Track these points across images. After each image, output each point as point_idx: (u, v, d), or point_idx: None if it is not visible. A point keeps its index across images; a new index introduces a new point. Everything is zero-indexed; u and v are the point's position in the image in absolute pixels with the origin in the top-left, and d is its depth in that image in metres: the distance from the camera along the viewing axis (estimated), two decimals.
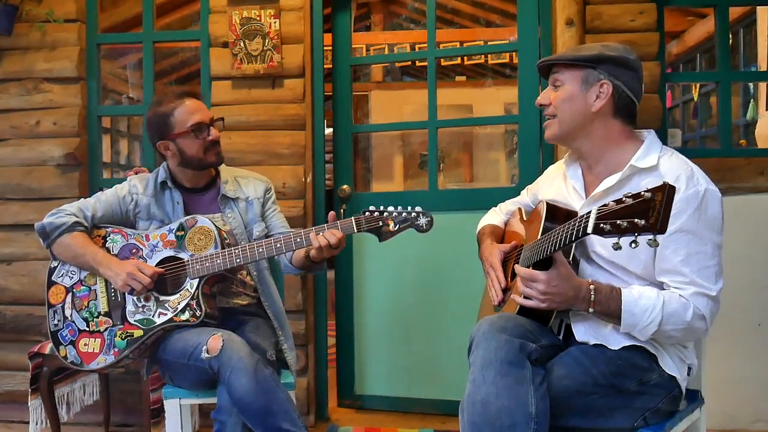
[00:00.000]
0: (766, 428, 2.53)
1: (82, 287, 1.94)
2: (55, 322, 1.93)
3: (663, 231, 1.12)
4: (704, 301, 1.41)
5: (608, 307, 1.40)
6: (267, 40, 2.70)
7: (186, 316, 1.84)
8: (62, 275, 1.96)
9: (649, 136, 1.56)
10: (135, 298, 1.88)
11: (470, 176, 5.77)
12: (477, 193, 3.28)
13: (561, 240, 1.32)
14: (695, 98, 5.34)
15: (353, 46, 2.99)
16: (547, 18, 2.66)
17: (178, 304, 1.86)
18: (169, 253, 1.92)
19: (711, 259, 1.42)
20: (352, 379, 2.91)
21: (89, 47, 2.86)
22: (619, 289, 1.42)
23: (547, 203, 1.59)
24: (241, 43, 2.70)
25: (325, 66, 2.83)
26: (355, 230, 1.82)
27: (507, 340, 1.38)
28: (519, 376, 1.35)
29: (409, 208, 1.84)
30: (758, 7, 4.12)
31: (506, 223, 1.90)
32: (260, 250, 1.85)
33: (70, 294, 1.94)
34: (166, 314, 1.86)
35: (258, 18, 2.70)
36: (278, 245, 1.85)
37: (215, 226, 1.91)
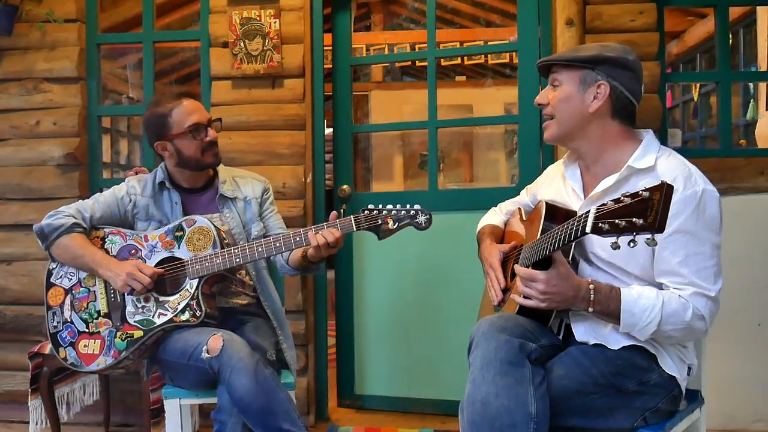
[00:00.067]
0: (766, 428, 2.53)
1: (81, 288, 1.94)
2: (55, 323, 1.93)
3: (661, 230, 1.12)
4: (703, 301, 1.41)
5: (608, 306, 1.40)
6: (267, 40, 2.70)
7: (186, 316, 1.84)
8: (61, 277, 1.96)
9: (647, 137, 1.56)
10: (134, 298, 1.88)
11: (470, 176, 5.77)
12: (477, 193, 3.28)
13: (560, 240, 1.32)
14: (695, 98, 5.34)
15: (353, 46, 2.99)
16: (547, 18, 2.66)
17: (178, 304, 1.86)
18: (168, 253, 1.91)
19: (710, 259, 1.42)
20: (352, 379, 2.91)
21: (89, 47, 2.86)
22: (619, 288, 1.42)
23: (546, 203, 1.59)
24: (241, 43, 2.70)
25: (325, 66, 2.83)
26: (354, 228, 1.82)
27: (507, 340, 1.38)
28: (519, 375, 1.35)
29: (408, 206, 1.84)
30: (758, 7, 4.12)
31: (506, 223, 1.91)
32: (259, 249, 1.85)
33: (69, 295, 1.94)
34: (166, 315, 1.85)
35: (258, 18, 2.70)
36: (277, 244, 1.85)
37: (214, 226, 1.91)
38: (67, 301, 1.93)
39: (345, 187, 2.85)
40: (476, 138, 5.79)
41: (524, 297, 1.42)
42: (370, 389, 2.90)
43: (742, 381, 2.53)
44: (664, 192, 1.11)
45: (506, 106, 5.19)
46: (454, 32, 5.81)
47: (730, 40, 2.97)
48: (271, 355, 1.88)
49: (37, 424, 2.40)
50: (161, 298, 1.88)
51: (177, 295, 1.87)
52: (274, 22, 2.69)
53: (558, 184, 1.72)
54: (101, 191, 2.10)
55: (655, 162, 1.49)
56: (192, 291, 1.86)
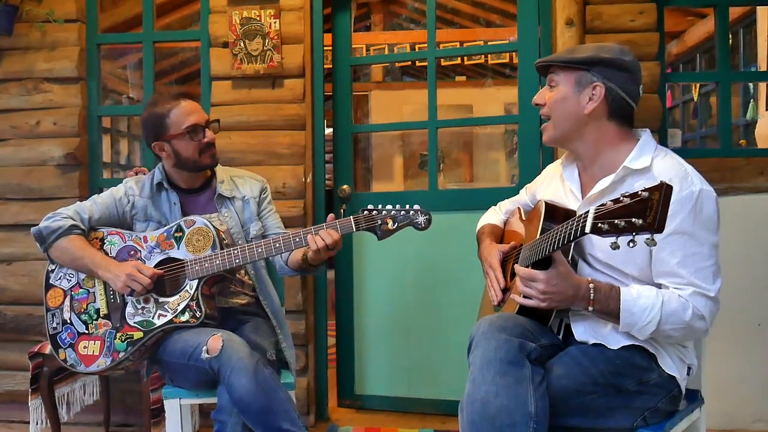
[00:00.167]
0: (766, 428, 2.53)
1: (81, 290, 1.93)
2: (54, 325, 1.92)
3: (660, 230, 1.12)
4: (703, 301, 1.41)
5: (607, 305, 1.40)
6: (267, 40, 2.70)
7: (186, 317, 1.84)
8: (60, 278, 1.95)
9: (644, 137, 1.56)
10: (134, 299, 1.87)
11: (470, 176, 5.77)
12: (477, 193, 3.28)
13: (559, 240, 1.32)
14: (695, 98, 5.34)
15: (353, 46, 2.99)
16: (547, 18, 2.66)
17: (178, 305, 1.86)
18: (167, 254, 1.91)
19: (708, 259, 1.42)
20: (352, 379, 2.91)
21: (89, 47, 2.86)
22: (619, 288, 1.42)
23: (545, 203, 1.60)
24: (241, 43, 2.70)
25: (325, 66, 2.83)
26: (354, 229, 1.82)
27: (506, 340, 1.39)
28: (518, 375, 1.35)
29: (408, 206, 1.84)
30: (758, 7, 4.12)
31: (506, 223, 1.91)
32: (259, 250, 1.85)
33: (68, 297, 1.93)
34: (165, 316, 1.85)
35: (258, 18, 2.70)
36: (277, 245, 1.85)
37: (213, 227, 1.90)
38: (67, 302, 1.93)
39: (345, 187, 2.85)
40: (476, 138, 5.79)
41: (524, 297, 1.42)
42: (370, 389, 2.90)
43: (742, 381, 2.53)
44: (663, 192, 1.11)
45: (506, 106, 5.19)
46: (454, 32, 5.81)
47: (730, 40, 2.97)
48: (270, 355, 1.88)
49: (37, 424, 2.40)
50: (161, 299, 1.88)
51: (177, 296, 1.87)
52: (274, 22, 2.69)
53: (556, 185, 1.72)
54: (101, 191, 2.10)
55: (651, 162, 1.49)
56: (192, 292, 1.86)
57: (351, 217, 1.83)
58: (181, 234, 1.91)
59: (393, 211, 1.83)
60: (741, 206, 2.53)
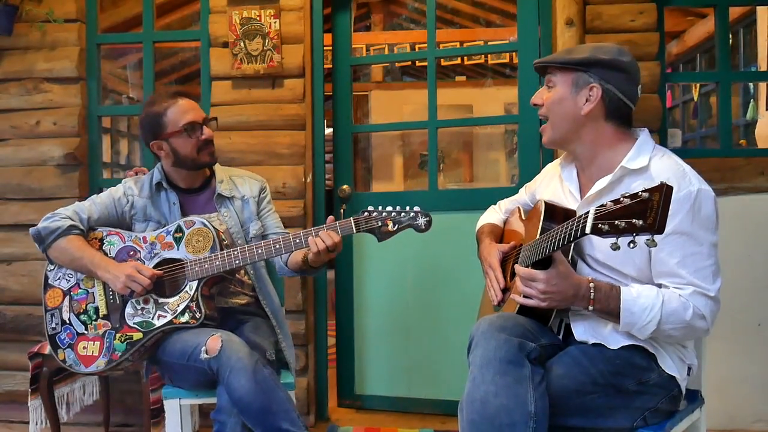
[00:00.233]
0: (766, 428, 2.53)
1: (80, 290, 1.93)
2: (53, 325, 1.92)
3: (661, 231, 1.12)
4: (703, 300, 1.41)
5: (607, 305, 1.40)
6: (267, 40, 2.70)
7: (186, 318, 1.84)
8: (59, 278, 1.95)
9: (642, 136, 1.55)
10: (134, 300, 1.87)
11: (470, 176, 5.77)
12: (477, 193, 3.28)
13: (559, 240, 1.32)
14: (695, 98, 5.33)
15: (353, 46, 2.99)
16: (547, 18, 2.66)
17: (178, 306, 1.85)
18: (167, 255, 1.91)
19: (707, 259, 1.42)
20: (352, 379, 2.91)
21: (89, 47, 2.86)
22: (619, 287, 1.42)
23: (545, 203, 1.59)
24: (241, 43, 2.70)
25: (325, 66, 2.83)
26: (354, 231, 1.82)
27: (506, 339, 1.38)
28: (518, 375, 1.35)
29: (408, 207, 1.84)
30: (758, 7, 4.11)
31: (505, 222, 1.91)
32: (259, 251, 1.85)
33: (67, 297, 1.93)
34: (165, 316, 1.85)
35: (258, 18, 2.70)
36: (277, 246, 1.85)
37: (213, 227, 1.90)
38: (66, 302, 1.92)
39: (345, 187, 2.85)
40: (476, 138, 5.79)
41: (524, 296, 1.42)
42: (370, 389, 2.90)
43: (742, 381, 2.53)
44: (663, 193, 1.11)
45: (506, 106, 5.19)
46: (454, 32, 5.81)
47: (730, 40, 2.97)
48: (270, 355, 1.88)
49: (37, 424, 2.40)
50: (160, 300, 1.87)
51: (176, 297, 1.87)
52: (274, 22, 2.69)
53: (555, 185, 1.72)
54: (101, 191, 2.10)
55: (648, 162, 1.49)
56: (191, 293, 1.86)
57: (351, 218, 1.83)
58: (180, 234, 1.91)
59: (393, 213, 1.82)
60: (741, 206, 2.53)
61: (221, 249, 1.88)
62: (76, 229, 1.93)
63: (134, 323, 1.86)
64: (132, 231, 2.01)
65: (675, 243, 1.41)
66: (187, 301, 1.85)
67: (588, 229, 1.19)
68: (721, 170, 2.54)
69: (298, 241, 1.84)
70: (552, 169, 1.81)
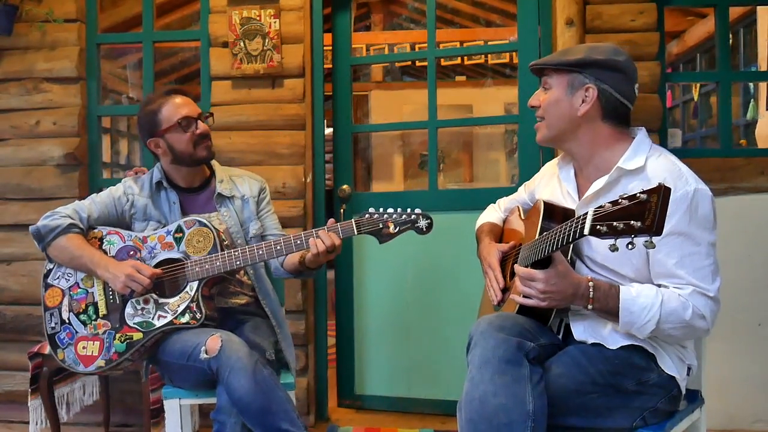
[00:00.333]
0: (766, 428, 2.53)
1: (79, 290, 1.93)
2: (52, 325, 1.92)
3: (659, 233, 1.12)
4: (703, 300, 1.41)
5: (606, 304, 1.40)
6: (267, 40, 2.70)
7: (186, 318, 1.84)
8: (59, 277, 1.95)
9: (639, 136, 1.55)
10: (134, 300, 1.87)
11: (470, 176, 5.77)
12: (477, 193, 3.28)
13: (558, 241, 1.32)
14: (695, 98, 5.33)
15: (353, 46, 2.99)
16: (547, 18, 2.66)
17: (178, 306, 1.85)
18: (167, 255, 1.91)
19: (706, 258, 1.42)
20: (352, 379, 2.91)
21: (89, 47, 2.86)
22: (618, 286, 1.42)
23: (544, 202, 1.59)
24: (241, 43, 2.70)
25: (325, 66, 2.83)
26: (356, 232, 1.82)
27: (505, 339, 1.39)
28: (516, 374, 1.35)
29: (409, 210, 1.84)
30: (758, 7, 4.12)
31: (505, 221, 1.91)
32: (260, 252, 1.85)
33: (66, 296, 1.93)
34: (165, 317, 1.85)
35: (258, 18, 2.70)
36: (278, 247, 1.85)
37: (214, 228, 1.90)
38: (65, 302, 1.92)
39: (345, 187, 2.85)
40: (476, 138, 5.79)
41: (524, 296, 1.42)
42: (370, 389, 2.90)
43: (742, 381, 2.53)
44: (661, 195, 1.11)
45: (506, 106, 5.18)
46: (454, 32, 5.81)
47: (730, 40, 2.97)
48: (270, 355, 1.87)
49: (37, 424, 2.40)
50: (161, 300, 1.87)
51: (177, 298, 1.87)
52: (274, 22, 2.69)
53: (554, 185, 1.72)
54: (101, 191, 2.10)
55: (645, 162, 1.49)
56: (192, 293, 1.86)
57: (353, 220, 1.83)
58: (181, 235, 1.91)
59: (395, 215, 1.82)
60: (741, 206, 2.53)
61: (221, 249, 1.88)
62: (75, 227, 1.93)
63: (134, 323, 1.86)
64: (131, 230, 2.01)
65: (673, 243, 1.40)
66: (188, 302, 1.85)
67: (586, 231, 1.19)
68: (721, 170, 2.53)
69: (299, 242, 1.84)
70: (550, 168, 1.81)
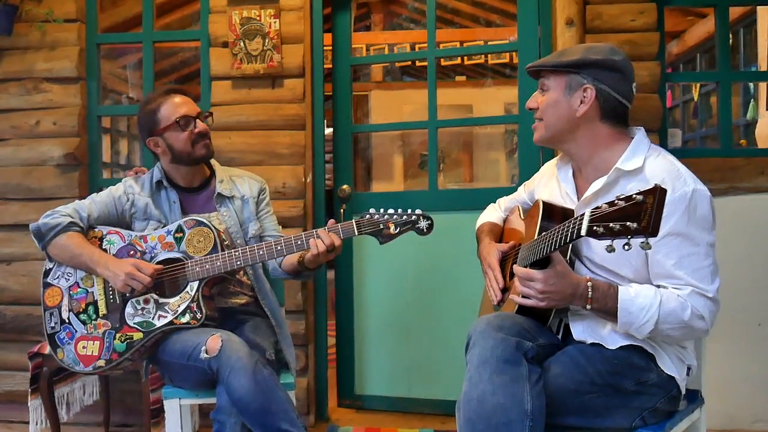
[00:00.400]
0: (766, 428, 2.53)
1: (79, 289, 1.93)
2: (52, 324, 1.92)
3: (655, 234, 1.12)
4: (702, 301, 1.41)
5: (605, 304, 1.40)
6: (267, 40, 2.70)
7: (186, 318, 1.84)
8: (58, 277, 1.95)
9: (638, 136, 1.55)
10: (134, 300, 1.87)
11: (470, 176, 5.77)
12: (477, 193, 3.28)
13: (556, 241, 1.32)
14: (695, 98, 5.33)
15: (353, 46, 2.99)
16: (547, 18, 2.66)
17: (178, 306, 1.85)
18: (167, 255, 1.91)
19: (705, 259, 1.42)
20: (352, 379, 2.91)
21: (89, 47, 2.86)
22: (617, 286, 1.42)
23: (543, 202, 1.60)
24: (241, 43, 2.70)
25: (325, 66, 2.83)
26: (356, 233, 1.82)
27: (503, 339, 1.39)
28: (515, 374, 1.35)
29: (410, 210, 1.84)
30: (758, 7, 4.12)
31: (505, 220, 1.91)
32: (261, 252, 1.85)
33: (66, 296, 1.92)
34: (166, 317, 1.85)
35: (258, 18, 2.70)
36: (279, 248, 1.85)
37: (214, 228, 1.90)
38: (65, 301, 1.92)
39: (345, 187, 2.85)
40: (476, 138, 5.78)
41: (523, 296, 1.42)
42: (370, 389, 2.90)
43: (742, 381, 2.53)
44: (657, 196, 1.11)
45: (506, 106, 5.18)
46: (454, 32, 5.81)
47: (730, 40, 2.97)
48: (270, 355, 1.88)
49: (37, 424, 2.40)
50: (161, 300, 1.87)
51: (177, 297, 1.87)
52: (274, 22, 2.69)
53: (553, 186, 1.72)
54: (101, 191, 2.10)
55: (643, 163, 1.49)
56: (192, 293, 1.86)
57: (353, 220, 1.83)
58: (181, 235, 1.91)
59: (395, 216, 1.82)
60: (741, 206, 2.53)
61: (222, 249, 1.88)
62: (75, 226, 1.93)
63: (134, 323, 1.86)
64: (131, 230, 2.01)
65: (671, 244, 1.40)
66: (188, 302, 1.85)
67: (583, 231, 1.19)
68: (721, 170, 2.53)
69: (299, 242, 1.84)
70: (549, 169, 1.81)
